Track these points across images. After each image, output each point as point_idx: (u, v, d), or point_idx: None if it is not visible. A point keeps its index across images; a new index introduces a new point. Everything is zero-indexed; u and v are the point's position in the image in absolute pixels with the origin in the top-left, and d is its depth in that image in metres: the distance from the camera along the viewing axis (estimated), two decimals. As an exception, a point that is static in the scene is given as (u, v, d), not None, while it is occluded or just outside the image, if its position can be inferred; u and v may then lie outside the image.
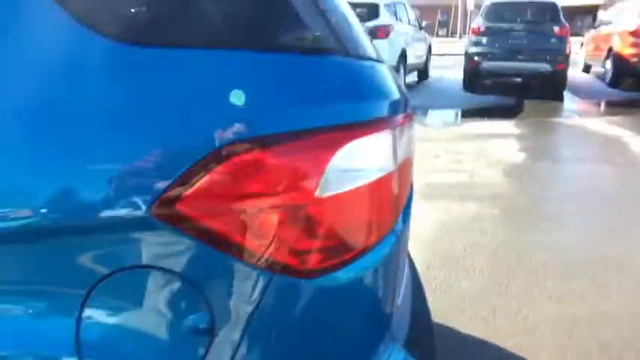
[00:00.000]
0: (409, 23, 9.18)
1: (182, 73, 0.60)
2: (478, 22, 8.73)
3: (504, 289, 2.36)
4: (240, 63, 0.62)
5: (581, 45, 11.65)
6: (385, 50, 7.52)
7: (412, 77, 10.11)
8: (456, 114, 7.09)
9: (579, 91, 8.75)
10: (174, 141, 0.58)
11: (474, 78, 8.80)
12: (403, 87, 1.02)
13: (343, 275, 0.66)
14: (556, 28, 8.05)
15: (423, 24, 10.43)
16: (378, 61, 0.93)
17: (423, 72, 10.36)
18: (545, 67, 8.01)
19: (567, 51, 8.12)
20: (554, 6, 8.44)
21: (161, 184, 0.57)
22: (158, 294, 0.61)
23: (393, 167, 0.70)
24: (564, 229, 3.05)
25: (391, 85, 0.78)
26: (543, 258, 2.66)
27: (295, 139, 0.60)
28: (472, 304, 2.23)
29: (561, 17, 8.29)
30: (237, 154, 0.58)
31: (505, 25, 8.26)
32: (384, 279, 0.74)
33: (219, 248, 0.60)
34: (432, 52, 12.83)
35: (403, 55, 8.15)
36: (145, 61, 0.60)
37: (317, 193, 0.61)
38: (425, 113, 7.14)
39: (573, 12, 27.21)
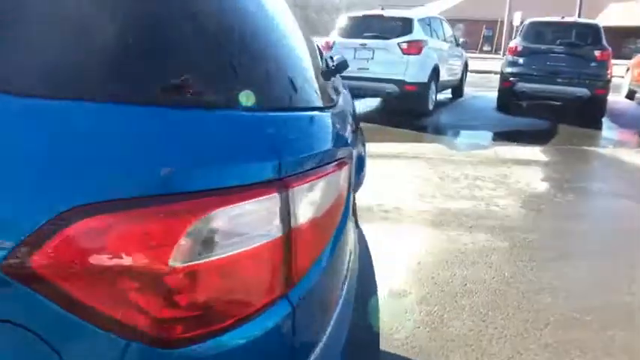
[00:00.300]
0: (445, 39, 9.01)
1: (36, 125, 0.57)
2: (516, 41, 8.49)
3: (499, 332, 2.24)
4: (98, 118, 0.58)
5: (627, 69, 11.16)
6: (416, 67, 7.42)
7: (447, 94, 9.93)
8: (484, 136, 6.89)
9: (619, 119, 8.37)
10: (26, 197, 0.56)
11: (507, 99, 8.54)
12: (345, 132, 0.96)
13: (215, 346, 0.61)
14: (597, 52, 7.72)
15: (461, 40, 10.23)
16: (315, 108, 0.87)
17: (457, 89, 10.17)
18: (583, 91, 7.69)
19: (608, 76, 7.77)
20: (596, 28, 8.11)
21: (12, 241, 0.55)
22: (12, 351, 0.59)
23: (280, 232, 0.65)
24: (577, 270, 2.88)
25: (304, 140, 0.73)
26: (547, 301, 2.51)
27: (149, 204, 0.56)
28: (460, 347, 2.13)
29: (603, 40, 7.95)
30: (88, 216, 0.55)
31: (543, 46, 7.99)
32: (277, 347, 0.69)
33: (72, 311, 0.57)
34: (471, 70, 12.55)
35: (435, 72, 8.01)
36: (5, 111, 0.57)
37: (172, 262, 0.57)
38: (451, 133, 6.98)
39: (624, 33, 26.15)
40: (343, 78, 7.01)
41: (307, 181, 0.70)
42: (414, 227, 3.44)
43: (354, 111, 1.30)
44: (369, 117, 7.91)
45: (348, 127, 1.03)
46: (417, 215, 3.66)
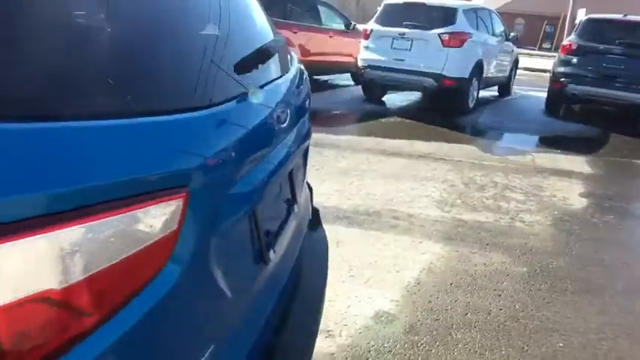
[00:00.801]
0: (493, 33, 8.43)
1: None
2: (570, 39, 7.80)
3: (492, 380, 1.91)
4: None
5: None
6: (456, 61, 6.95)
7: (493, 92, 9.36)
8: (524, 140, 6.36)
9: (683, 131, 7.59)
10: None
11: (557, 101, 7.90)
12: (202, 146, 0.69)
13: None
14: (661, 55, 6.98)
15: (511, 35, 9.56)
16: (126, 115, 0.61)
17: (505, 87, 9.56)
18: (642, 98, 6.97)
19: (673, 82, 7.01)
20: (662, 29, 7.32)
21: None
22: None
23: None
24: (603, 310, 2.48)
25: (27, 170, 0.49)
26: (558, 346, 2.15)
27: None
28: (444, 394, 1.82)
29: (670, 43, 7.17)
30: None
31: (601, 46, 7.28)
32: None
33: None
34: (526, 67, 11.73)
35: (479, 68, 7.49)
36: None
37: None
38: (488, 135, 6.50)
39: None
40: (377, 69, 6.55)
41: (26, 235, 0.46)
42: (423, 239, 3.11)
43: (299, 109, 1.02)
44: (403, 111, 7.51)
45: (240, 133, 0.76)
46: (429, 225, 3.32)
